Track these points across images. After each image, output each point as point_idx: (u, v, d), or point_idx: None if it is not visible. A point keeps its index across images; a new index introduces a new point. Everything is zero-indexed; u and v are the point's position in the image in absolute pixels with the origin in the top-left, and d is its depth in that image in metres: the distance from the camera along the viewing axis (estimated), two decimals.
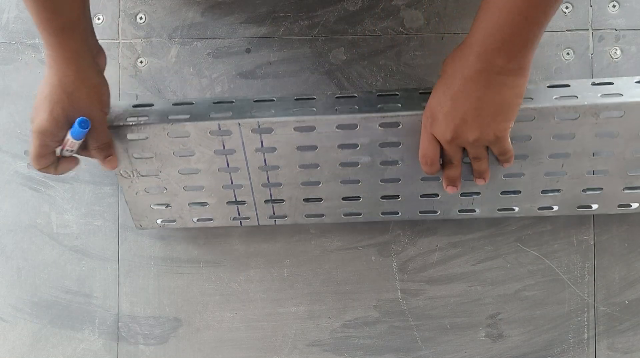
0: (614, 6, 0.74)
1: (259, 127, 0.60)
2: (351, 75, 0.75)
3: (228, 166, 0.64)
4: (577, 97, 0.58)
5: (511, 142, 0.57)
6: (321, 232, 0.74)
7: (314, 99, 0.61)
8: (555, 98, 0.58)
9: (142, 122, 0.62)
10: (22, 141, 0.78)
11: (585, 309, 0.72)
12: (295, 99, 0.61)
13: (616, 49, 0.73)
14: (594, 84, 0.59)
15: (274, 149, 0.62)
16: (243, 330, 0.74)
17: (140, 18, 0.77)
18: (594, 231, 0.72)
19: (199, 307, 0.75)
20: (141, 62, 0.77)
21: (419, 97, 0.60)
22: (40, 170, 0.60)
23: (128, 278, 0.76)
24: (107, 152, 0.62)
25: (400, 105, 0.59)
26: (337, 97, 0.61)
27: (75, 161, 0.62)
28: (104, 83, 0.59)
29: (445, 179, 0.60)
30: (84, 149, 0.61)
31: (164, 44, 0.77)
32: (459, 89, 0.52)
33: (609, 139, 0.60)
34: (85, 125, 0.56)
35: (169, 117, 0.62)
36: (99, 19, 0.77)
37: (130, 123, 0.62)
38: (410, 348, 0.73)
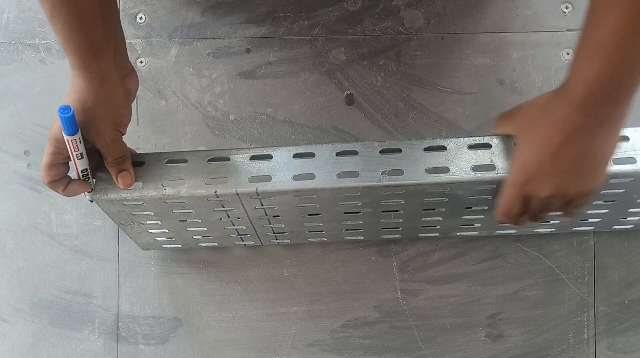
0: None
1: (257, 194, 0.59)
2: (351, 75, 0.75)
3: (228, 216, 0.64)
4: None
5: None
6: None
7: (313, 155, 0.59)
8: None
9: (135, 196, 0.60)
10: (22, 141, 0.78)
11: (585, 309, 0.72)
12: (294, 156, 0.59)
13: None
14: None
15: (274, 207, 0.62)
16: (243, 330, 0.74)
17: (140, 18, 0.77)
18: (594, 231, 0.72)
19: (199, 307, 0.75)
20: (141, 62, 0.77)
21: (423, 155, 0.57)
22: (49, 184, 0.58)
23: (128, 278, 0.76)
24: (120, 167, 0.59)
25: (403, 171, 0.57)
26: (337, 154, 0.59)
27: (87, 186, 0.60)
28: (125, 105, 0.57)
29: (517, 224, 0.58)
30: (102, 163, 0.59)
31: (164, 44, 0.77)
32: (559, 147, 0.49)
33: (615, 192, 0.59)
34: (66, 111, 0.53)
35: (164, 184, 0.60)
36: None
37: (127, 196, 0.60)
38: (410, 348, 0.73)
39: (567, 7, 0.74)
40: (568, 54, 0.74)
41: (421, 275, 0.73)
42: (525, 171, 0.53)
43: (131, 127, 0.76)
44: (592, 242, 0.73)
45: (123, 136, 0.59)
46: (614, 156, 0.51)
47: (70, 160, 0.57)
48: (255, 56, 0.76)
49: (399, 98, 0.75)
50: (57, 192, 0.59)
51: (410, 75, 0.75)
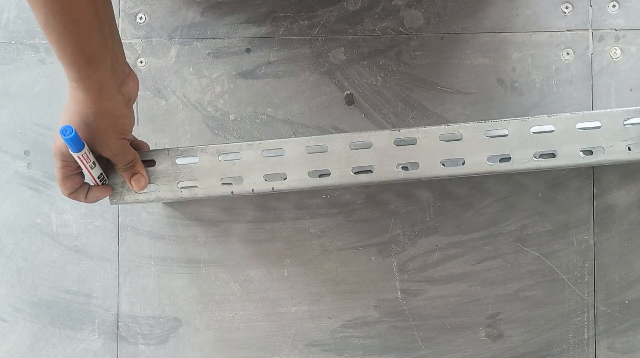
0: (613, 6, 0.74)
1: (273, 191, 0.59)
2: (351, 75, 0.75)
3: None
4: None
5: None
6: (321, 232, 0.74)
7: (326, 148, 0.58)
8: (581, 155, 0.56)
9: (153, 199, 0.61)
10: (22, 141, 0.78)
11: (585, 309, 0.72)
12: (306, 150, 0.58)
13: (616, 49, 0.73)
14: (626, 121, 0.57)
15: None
16: (243, 330, 0.74)
17: (140, 18, 0.77)
18: (594, 231, 0.72)
19: (199, 307, 0.75)
20: (141, 62, 0.77)
21: (438, 146, 0.56)
22: (70, 196, 0.58)
23: (128, 278, 0.76)
24: (132, 171, 0.60)
25: (419, 164, 0.57)
26: (351, 147, 0.57)
27: (107, 190, 0.60)
28: (125, 115, 0.56)
29: None
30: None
31: (164, 44, 0.77)
32: None
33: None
34: (67, 132, 0.52)
35: (179, 186, 0.60)
36: None
37: (144, 199, 0.61)
38: (410, 348, 0.73)
39: (567, 7, 0.74)
40: (568, 54, 0.74)
41: (421, 275, 0.73)
42: None
43: None
44: (592, 242, 0.73)
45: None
46: None
47: (83, 169, 0.58)
48: (255, 56, 0.76)
49: (399, 98, 0.75)
50: (80, 201, 0.59)
51: (410, 75, 0.75)
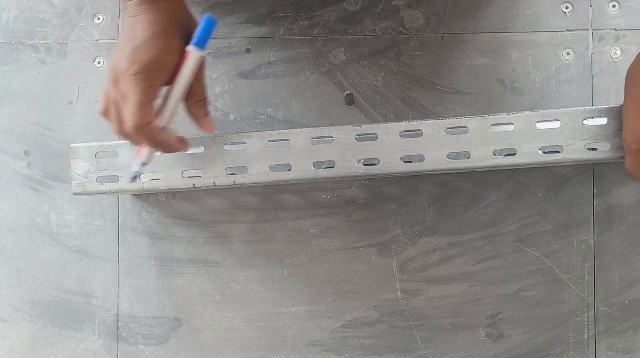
0: (614, 6, 0.74)
1: (234, 184, 0.60)
2: (351, 75, 0.75)
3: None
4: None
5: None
6: (321, 232, 0.74)
7: (288, 142, 0.58)
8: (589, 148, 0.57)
9: (115, 190, 0.62)
10: (22, 141, 0.78)
11: (585, 309, 0.72)
12: (268, 143, 0.59)
13: (616, 49, 0.73)
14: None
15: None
16: (243, 330, 0.74)
17: None
18: (594, 231, 0.72)
19: (199, 307, 0.75)
20: None
21: (398, 142, 0.57)
22: (143, 129, 0.50)
23: (128, 278, 0.76)
24: (205, 110, 0.58)
25: (379, 160, 0.57)
26: (312, 140, 0.59)
27: (185, 144, 0.58)
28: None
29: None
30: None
31: None
32: None
33: None
34: (210, 18, 0.50)
35: (140, 177, 0.61)
36: (98, 18, 0.77)
37: (106, 190, 0.62)
38: (410, 348, 0.73)
39: (567, 7, 0.74)
40: (568, 54, 0.74)
41: (421, 275, 0.73)
42: (635, 138, 0.53)
43: None
44: (592, 242, 0.73)
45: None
46: None
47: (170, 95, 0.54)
48: (255, 56, 0.76)
49: (399, 98, 0.75)
50: (147, 141, 0.54)
51: (410, 75, 0.75)
